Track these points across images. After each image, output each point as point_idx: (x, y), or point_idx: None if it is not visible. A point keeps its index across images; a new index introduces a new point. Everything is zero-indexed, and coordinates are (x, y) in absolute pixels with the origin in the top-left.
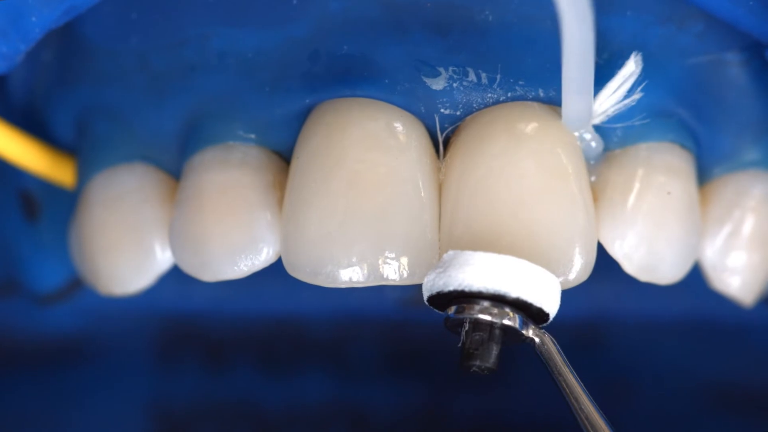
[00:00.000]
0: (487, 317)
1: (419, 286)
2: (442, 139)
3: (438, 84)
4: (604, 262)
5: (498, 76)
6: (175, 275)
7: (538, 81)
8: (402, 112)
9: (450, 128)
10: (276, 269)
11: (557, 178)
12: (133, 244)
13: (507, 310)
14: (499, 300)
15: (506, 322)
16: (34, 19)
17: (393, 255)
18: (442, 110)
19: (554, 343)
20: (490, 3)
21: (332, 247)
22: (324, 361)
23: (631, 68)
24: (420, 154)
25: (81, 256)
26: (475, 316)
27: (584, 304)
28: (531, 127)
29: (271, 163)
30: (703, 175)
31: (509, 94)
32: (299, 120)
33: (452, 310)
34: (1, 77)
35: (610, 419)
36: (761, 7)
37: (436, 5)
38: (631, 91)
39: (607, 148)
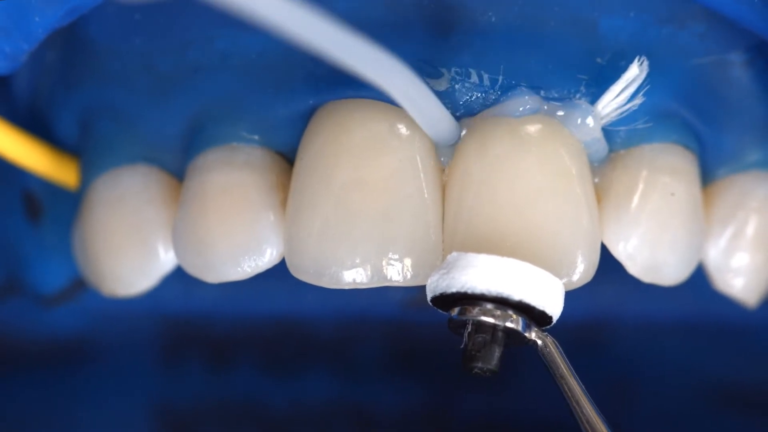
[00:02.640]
0: (490, 319)
1: (423, 287)
2: None
3: (440, 85)
4: (608, 264)
5: (500, 78)
6: (178, 276)
7: (540, 82)
8: (406, 113)
9: None
10: (279, 270)
11: (560, 180)
12: (137, 245)
13: (510, 312)
14: (502, 302)
15: (509, 324)
16: (37, 18)
17: (397, 256)
18: None
19: (557, 346)
20: (493, 4)
21: (336, 249)
22: (328, 361)
23: (634, 72)
24: (423, 156)
25: (84, 257)
26: (478, 318)
27: (587, 305)
28: (534, 129)
29: (274, 164)
30: (707, 176)
31: (511, 95)
32: (303, 121)
33: (455, 311)
34: (5, 77)
35: (613, 420)
36: (765, 4)
37: (439, 6)
38: (634, 95)
39: (610, 150)
